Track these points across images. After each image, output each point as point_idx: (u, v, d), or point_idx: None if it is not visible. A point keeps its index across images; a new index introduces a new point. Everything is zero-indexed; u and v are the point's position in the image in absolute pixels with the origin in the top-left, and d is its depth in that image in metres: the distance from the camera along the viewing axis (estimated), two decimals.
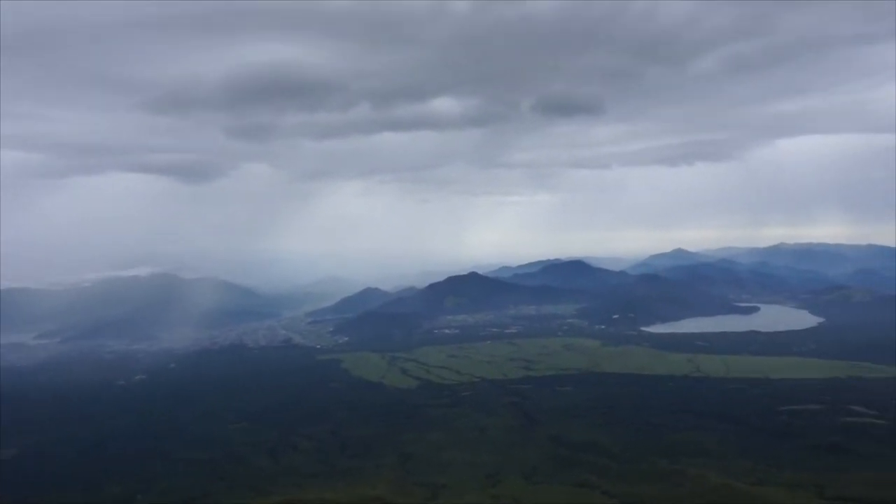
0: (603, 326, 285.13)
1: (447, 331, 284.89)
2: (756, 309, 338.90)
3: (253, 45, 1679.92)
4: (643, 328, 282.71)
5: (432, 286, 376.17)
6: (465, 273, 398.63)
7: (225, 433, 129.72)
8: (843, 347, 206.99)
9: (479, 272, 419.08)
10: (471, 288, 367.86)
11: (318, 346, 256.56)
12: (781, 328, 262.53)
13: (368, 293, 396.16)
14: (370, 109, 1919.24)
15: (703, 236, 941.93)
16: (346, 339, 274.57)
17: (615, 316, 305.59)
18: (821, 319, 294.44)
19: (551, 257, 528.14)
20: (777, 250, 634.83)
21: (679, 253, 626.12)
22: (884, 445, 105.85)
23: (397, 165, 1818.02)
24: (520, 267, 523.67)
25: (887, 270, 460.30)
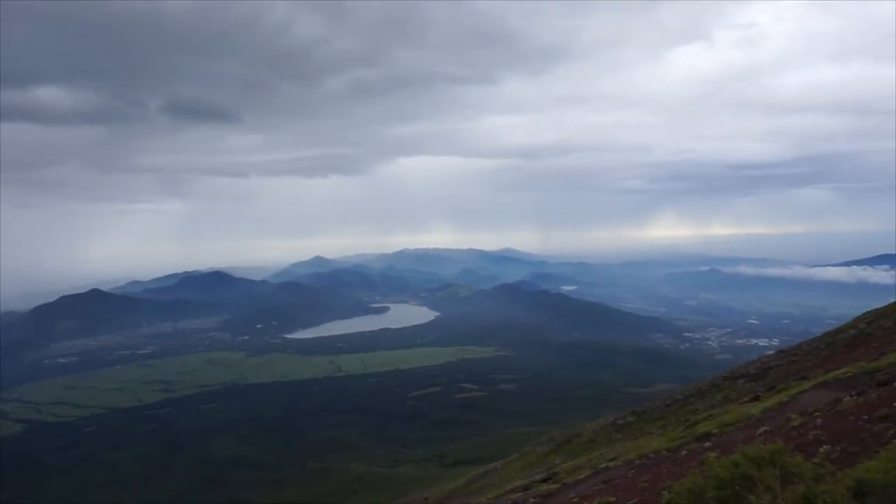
0: (247, 337, 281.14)
1: (62, 360, 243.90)
2: (387, 309, 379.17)
3: None
4: (287, 335, 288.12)
5: (39, 309, 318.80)
6: (83, 291, 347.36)
7: None
8: (455, 335, 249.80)
9: (103, 289, 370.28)
10: (92, 308, 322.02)
11: None
12: (407, 324, 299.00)
13: None
14: None
15: (339, 244, 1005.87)
16: None
17: (259, 325, 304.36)
18: (437, 313, 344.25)
19: (188, 269, 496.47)
20: (401, 255, 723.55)
21: (318, 260, 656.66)
22: (485, 413, 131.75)
23: None
24: (152, 281, 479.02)
25: (482, 270, 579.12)
